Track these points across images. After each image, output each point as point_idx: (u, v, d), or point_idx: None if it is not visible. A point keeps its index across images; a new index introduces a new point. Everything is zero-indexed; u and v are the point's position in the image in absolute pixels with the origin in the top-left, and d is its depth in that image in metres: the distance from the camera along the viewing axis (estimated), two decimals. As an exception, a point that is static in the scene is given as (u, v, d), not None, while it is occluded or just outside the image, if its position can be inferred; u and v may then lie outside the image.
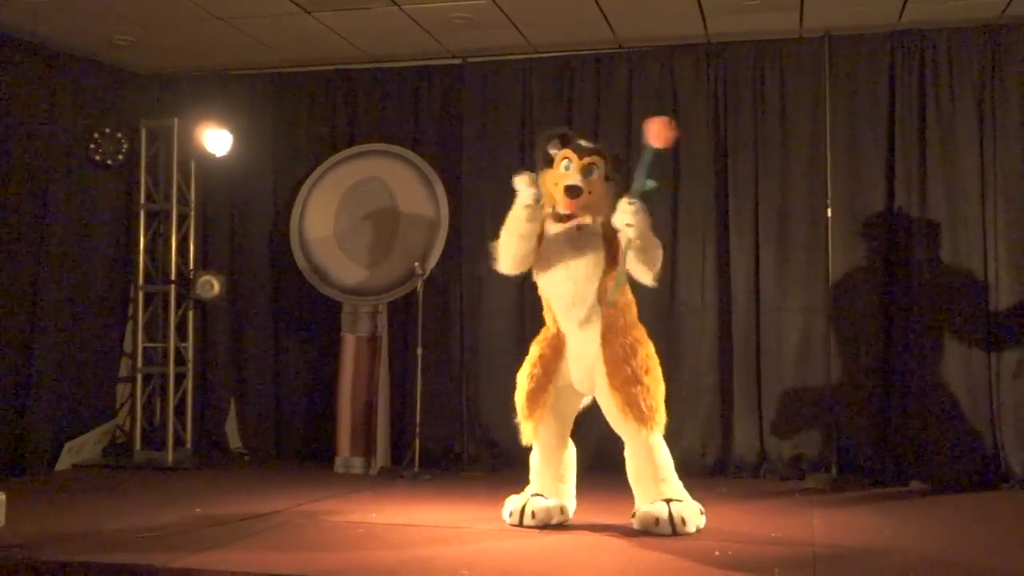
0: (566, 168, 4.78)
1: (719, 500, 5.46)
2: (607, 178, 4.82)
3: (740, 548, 4.35)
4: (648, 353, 4.78)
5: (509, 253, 4.85)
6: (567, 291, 4.77)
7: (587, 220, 4.80)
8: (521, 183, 4.69)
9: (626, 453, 4.79)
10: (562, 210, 4.80)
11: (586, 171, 4.76)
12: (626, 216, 4.48)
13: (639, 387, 4.67)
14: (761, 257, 6.59)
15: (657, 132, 4.51)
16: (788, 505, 5.57)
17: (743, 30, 6.55)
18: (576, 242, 4.77)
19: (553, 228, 4.84)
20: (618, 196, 4.64)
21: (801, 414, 6.45)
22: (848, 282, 6.45)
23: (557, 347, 4.87)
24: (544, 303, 4.97)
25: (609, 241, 4.76)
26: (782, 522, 5.01)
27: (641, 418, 4.64)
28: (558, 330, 4.88)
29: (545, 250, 4.83)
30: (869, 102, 6.49)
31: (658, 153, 4.55)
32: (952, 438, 6.13)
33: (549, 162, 4.86)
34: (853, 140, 6.50)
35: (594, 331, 4.76)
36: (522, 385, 4.90)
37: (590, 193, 4.74)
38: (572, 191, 4.69)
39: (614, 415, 4.72)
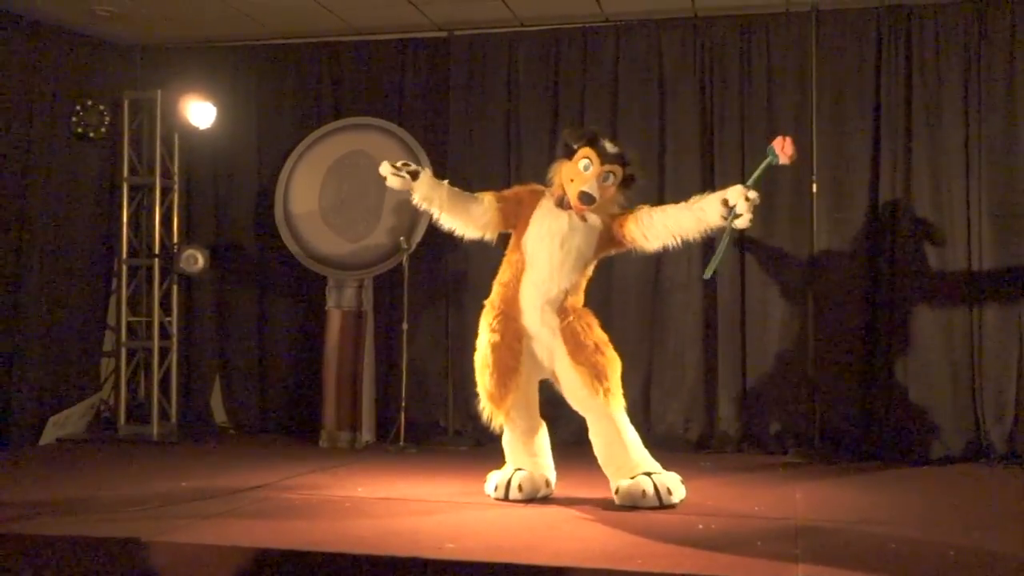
0: (585, 168, 4.78)
1: (702, 475, 5.49)
2: (622, 184, 4.86)
3: (723, 522, 4.39)
4: (600, 331, 4.83)
5: (454, 227, 5.00)
6: (554, 262, 4.76)
7: (591, 215, 4.84)
8: (385, 170, 4.90)
9: (592, 433, 4.82)
10: (571, 206, 4.83)
11: (603, 177, 4.78)
12: (743, 206, 4.42)
13: (603, 358, 4.72)
14: (746, 232, 6.58)
15: (785, 148, 4.53)
16: (771, 480, 5.60)
17: (730, 4, 6.53)
18: (574, 225, 4.80)
19: (552, 204, 4.87)
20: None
21: (784, 389, 6.49)
22: (832, 258, 6.47)
23: (514, 328, 4.83)
24: (505, 271, 4.94)
25: (603, 244, 4.85)
26: (765, 496, 5.05)
27: (608, 391, 4.68)
28: (514, 305, 4.84)
29: (541, 218, 4.85)
30: (855, 77, 6.49)
31: (772, 166, 4.58)
32: (934, 413, 6.18)
33: (568, 153, 4.87)
34: (839, 115, 6.50)
35: (551, 315, 4.78)
36: (487, 371, 4.85)
37: (600, 199, 4.79)
38: (585, 198, 4.75)
39: (579, 391, 4.74)
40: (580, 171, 4.78)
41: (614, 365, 4.76)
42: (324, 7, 6.64)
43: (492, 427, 4.96)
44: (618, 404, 4.74)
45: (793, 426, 6.45)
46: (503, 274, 4.97)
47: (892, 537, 4.13)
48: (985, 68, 6.27)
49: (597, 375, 4.68)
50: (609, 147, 4.83)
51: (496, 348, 4.83)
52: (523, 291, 4.84)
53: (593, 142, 4.82)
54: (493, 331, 4.86)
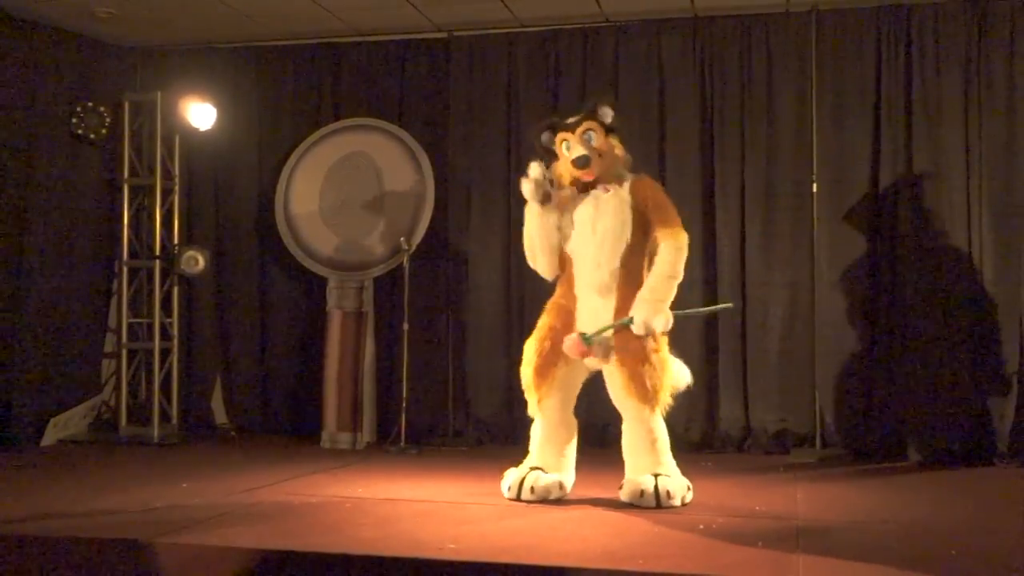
0: (567, 148, 4.89)
1: (704, 474, 5.49)
2: (608, 134, 4.89)
3: (724, 522, 4.38)
4: (658, 335, 4.78)
5: (541, 260, 4.98)
6: (592, 250, 4.81)
7: (612, 186, 4.86)
8: (532, 170, 4.82)
9: (623, 427, 4.82)
10: (592, 186, 4.88)
11: (585, 139, 4.84)
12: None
13: (646, 365, 4.68)
14: (747, 232, 6.60)
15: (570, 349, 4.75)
16: (772, 479, 5.60)
17: (730, 4, 6.53)
18: (603, 204, 4.83)
19: (575, 194, 4.92)
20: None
21: (785, 389, 6.48)
22: (833, 257, 6.47)
23: (567, 319, 4.87)
24: (564, 266, 4.99)
25: (640, 209, 4.83)
26: (766, 496, 5.04)
27: (644, 396, 4.66)
28: (571, 298, 4.89)
29: (573, 211, 4.89)
30: (855, 77, 6.49)
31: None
32: (936, 412, 6.16)
33: (553, 155, 4.97)
34: (839, 115, 6.50)
35: (610, 302, 4.80)
36: (530, 357, 4.91)
37: (600, 156, 4.85)
38: (580, 161, 4.81)
39: (617, 390, 4.74)
40: (565, 153, 4.89)
41: (660, 371, 4.72)
42: (324, 8, 6.65)
43: (528, 414, 4.99)
44: (654, 410, 4.70)
45: (794, 426, 6.45)
46: (564, 271, 5.00)
47: (893, 537, 4.13)
48: (985, 68, 6.27)
49: (634, 378, 4.66)
50: (571, 119, 4.94)
51: (544, 336, 4.90)
52: (577, 285, 4.89)
53: (555, 127, 4.96)
54: (548, 317, 4.95)
